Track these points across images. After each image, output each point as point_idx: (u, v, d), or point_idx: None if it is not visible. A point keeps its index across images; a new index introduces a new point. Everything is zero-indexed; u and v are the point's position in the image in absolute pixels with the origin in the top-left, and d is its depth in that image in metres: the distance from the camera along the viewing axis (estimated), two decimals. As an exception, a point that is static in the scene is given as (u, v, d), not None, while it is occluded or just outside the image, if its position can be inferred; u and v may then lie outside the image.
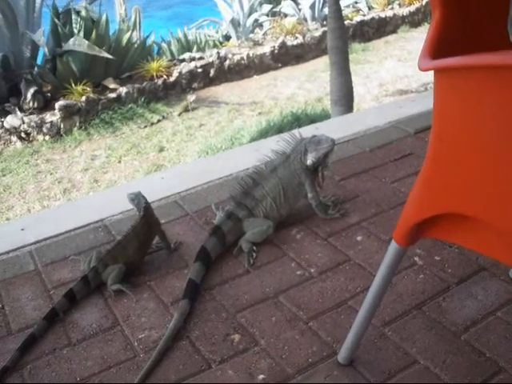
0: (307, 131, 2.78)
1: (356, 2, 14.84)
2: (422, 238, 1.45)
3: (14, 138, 9.38)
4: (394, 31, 14.11)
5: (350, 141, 3.16)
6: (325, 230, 2.36)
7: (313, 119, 7.90)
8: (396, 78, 10.65)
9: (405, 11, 14.42)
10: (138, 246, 2.15)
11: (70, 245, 2.43)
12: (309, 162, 2.34)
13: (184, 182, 2.85)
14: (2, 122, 9.32)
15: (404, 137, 3.17)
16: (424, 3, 14.60)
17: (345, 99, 8.05)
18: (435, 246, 2.21)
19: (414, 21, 14.51)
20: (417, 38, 13.03)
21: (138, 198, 2.22)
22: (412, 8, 14.57)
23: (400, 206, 2.24)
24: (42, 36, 10.01)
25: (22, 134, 9.40)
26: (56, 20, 10.64)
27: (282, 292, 2.03)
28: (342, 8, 8.98)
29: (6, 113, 9.52)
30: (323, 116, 8.25)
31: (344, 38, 8.30)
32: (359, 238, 2.29)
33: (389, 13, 14.25)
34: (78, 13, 10.76)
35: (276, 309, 1.95)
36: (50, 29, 10.93)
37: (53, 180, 8.03)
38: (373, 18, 13.94)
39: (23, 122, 9.37)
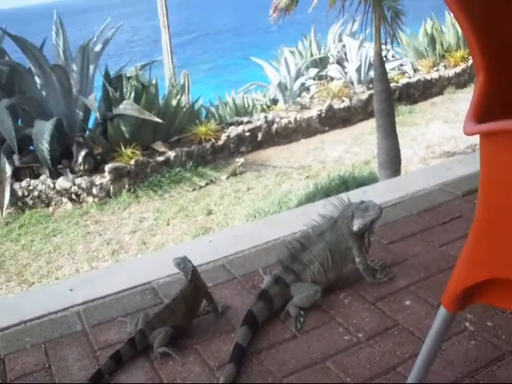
0: (355, 195, 2.80)
1: (401, 65, 14.97)
2: (472, 304, 1.43)
3: (64, 199, 9.61)
4: (440, 93, 14.14)
5: (397, 204, 3.15)
6: (373, 295, 2.34)
7: (360, 182, 7.91)
8: (443, 139, 10.62)
9: (450, 72, 14.46)
10: (185, 310, 2.16)
11: (118, 306, 2.46)
12: (355, 227, 2.34)
13: (232, 245, 2.86)
14: (54, 183, 9.56)
15: (452, 199, 3.15)
16: (470, 64, 14.62)
17: (392, 162, 8.05)
18: (487, 312, 2.16)
19: (460, 82, 14.53)
20: (463, 99, 13.03)
21: (184, 263, 2.24)
22: (458, 69, 14.61)
23: (449, 270, 2.22)
24: (94, 101, 10.34)
25: (73, 196, 9.63)
26: (108, 85, 10.99)
27: (329, 357, 2.00)
28: (388, 71, 9.07)
29: (58, 174, 9.79)
30: (371, 179, 8.24)
31: (390, 100, 8.35)
32: (408, 303, 2.26)
33: (434, 75, 14.31)
34: (128, 78, 11.09)
35: (323, 374, 1.93)
36: (102, 94, 11.31)
37: (102, 241, 8.17)
38: (418, 80, 14.01)
39: (74, 184, 9.60)
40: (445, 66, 14.93)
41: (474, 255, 1.34)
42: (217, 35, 54.54)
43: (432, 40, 15.64)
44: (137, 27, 59.68)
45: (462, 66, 14.81)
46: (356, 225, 2.34)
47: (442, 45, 15.65)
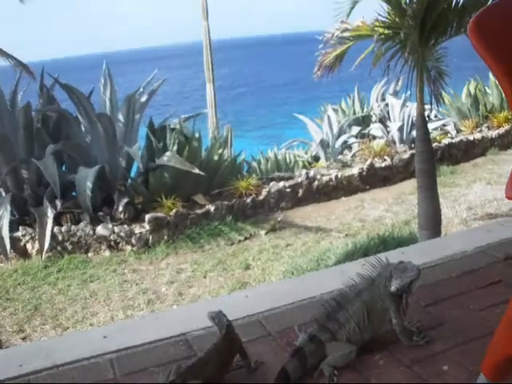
0: (393, 255, 2.77)
1: (444, 125, 14.97)
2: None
3: (103, 247, 9.71)
4: (482, 154, 14.05)
5: (437, 266, 3.11)
6: (409, 357, 2.29)
7: (399, 242, 7.84)
8: (485, 201, 10.51)
9: (494, 134, 14.40)
10: (218, 364, 2.14)
11: (150, 356, 2.45)
12: (393, 288, 2.31)
13: (268, 301, 2.85)
14: (94, 230, 9.68)
15: (493, 263, 3.09)
16: (513, 126, 14.53)
17: (432, 223, 7.97)
18: None
19: (503, 143, 14.46)
20: (507, 161, 12.93)
21: (218, 317, 2.23)
22: (501, 130, 14.54)
23: (488, 336, 2.16)
24: (137, 150, 10.54)
25: (112, 243, 9.74)
26: (151, 136, 11.19)
27: (363, 419, 1.97)
28: (430, 130, 9.08)
29: (99, 221, 9.94)
30: (410, 239, 8.17)
31: (432, 160, 8.32)
32: (445, 368, 2.21)
33: (477, 135, 14.26)
34: (172, 130, 11.28)
35: None
36: (145, 144, 11.53)
37: (138, 290, 8.19)
38: (461, 141, 13.96)
39: (113, 232, 9.71)
40: (488, 127, 14.87)
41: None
42: (265, 90, 55.38)
43: (475, 101, 15.63)
44: (185, 80, 60.94)
45: (506, 127, 14.72)
46: (394, 285, 2.32)
47: (485, 106, 15.62)
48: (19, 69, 9.61)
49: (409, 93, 9.28)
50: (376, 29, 8.02)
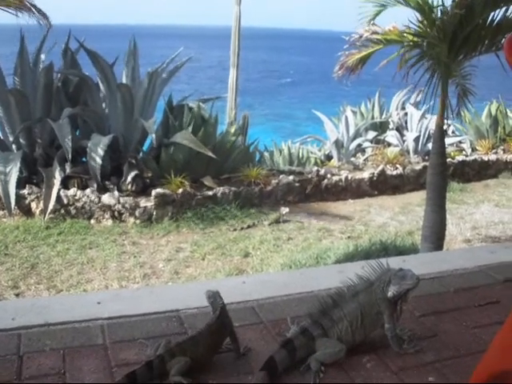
0: (394, 262, 2.76)
1: (460, 142, 14.93)
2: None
3: (107, 215, 9.74)
4: (494, 175, 14.01)
5: (436, 278, 3.11)
6: (397, 364, 2.29)
7: (401, 251, 7.85)
8: (491, 223, 10.49)
9: (509, 157, 14.36)
10: (209, 345, 2.15)
11: (142, 328, 2.46)
12: (390, 293, 2.32)
13: (264, 290, 2.86)
14: (100, 197, 9.70)
15: (492, 283, 3.09)
16: (529, 153, 14.48)
17: (436, 236, 7.96)
18: None
19: (517, 168, 14.38)
20: (518, 186, 12.91)
21: (214, 297, 2.24)
22: (516, 155, 14.46)
23: (479, 354, 2.16)
24: (153, 125, 10.55)
25: (115, 213, 9.76)
26: (169, 112, 11.19)
27: (342, 418, 1.98)
28: (446, 146, 9.03)
29: (105, 190, 9.95)
30: (411, 250, 8.17)
31: (444, 175, 8.30)
32: (431, 379, 2.21)
33: (492, 157, 14.22)
34: (190, 109, 11.26)
35: (334, 434, 1.90)
36: (162, 120, 11.54)
37: (135, 263, 8.23)
38: (475, 160, 13.92)
39: (118, 202, 9.73)
40: (504, 150, 14.81)
41: (509, 343, 1.31)
42: (291, 83, 55.34)
43: (495, 122, 15.57)
44: (212, 61, 60.93)
45: (522, 151, 14.68)
46: (391, 291, 2.32)
47: (504, 128, 15.55)
48: (47, 27, 9.59)
49: (430, 105, 9.21)
50: (405, 35, 7.98)
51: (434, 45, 7.50)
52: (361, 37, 8.36)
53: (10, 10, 8.79)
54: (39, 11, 9.00)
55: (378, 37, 8.32)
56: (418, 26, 7.77)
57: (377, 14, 8.04)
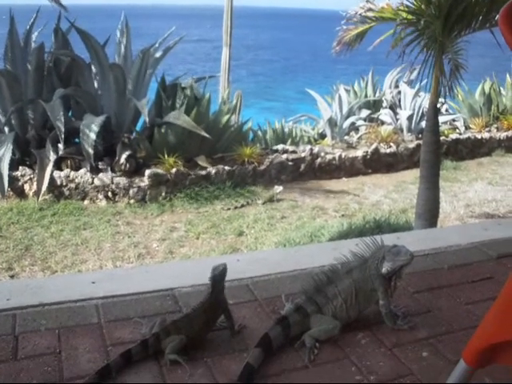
0: (389, 239, 2.77)
1: (454, 120, 14.91)
2: (493, 363, 1.40)
3: (100, 196, 9.73)
4: (488, 153, 14.02)
5: (430, 255, 3.12)
6: (391, 340, 2.31)
7: (394, 229, 7.86)
8: (484, 200, 10.51)
9: (502, 135, 14.35)
10: (203, 322, 2.16)
11: (136, 307, 2.48)
12: (384, 270, 2.32)
13: (259, 268, 2.87)
14: (93, 178, 9.68)
15: (485, 260, 3.10)
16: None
17: (429, 214, 7.97)
18: (507, 374, 2.08)
19: (510, 146, 14.41)
20: (511, 164, 12.91)
21: (213, 273, 2.20)
22: (510, 133, 14.49)
23: (472, 329, 2.17)
24: (145, 105, 10.50)
25: (109, 194, 9.75)
26: (162, 92, 11.15)
27: (337, 394, 1.98)
28: (440, 124, 9.02)
29: (98, 170, 9.93)
30: (405, 228, 8.19)
31: (438, 152, 8.30)
32: (425, 354, 2.23)
33: (485, 135, 14.22)
34: (183, 89, 11.22)
35: (329, 410, 1.91)
36: (155, 99, 11.50)
37: (129, 243, 8.22)
38: (468, 138, 13.92)
39: (112, 182, 9.72)
40: (497, 128, 14.80)
41: (502, 316, 1.32)
42: (281, 62, 55.13)
43: (488, 100, 15.55)
44: (204, 41, 60.61)
45: (515, 129, 14.68)
46: (385, 267, 2.33)
47: (497, 106, 15.54)
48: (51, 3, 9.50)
49: (423, 82, 9.20)
50: (400, 13, 7.95)
51: (429, 23, 7.47)
52: (356, 13, 8.38)
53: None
54: None
55: (373, 14, 8.31)
56: (414, 4, 7.73)
57: None
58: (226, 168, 10.61)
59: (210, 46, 50.44)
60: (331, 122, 13.96)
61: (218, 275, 2.19)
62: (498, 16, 1.45)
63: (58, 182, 9.71)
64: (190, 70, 13.86)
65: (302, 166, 11.59)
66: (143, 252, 7.99)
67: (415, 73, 15.02)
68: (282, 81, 43.75)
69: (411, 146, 12.91)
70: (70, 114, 11.23)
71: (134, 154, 10.33)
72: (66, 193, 9.76)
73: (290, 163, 11.42)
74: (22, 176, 9.80)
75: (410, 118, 13.98)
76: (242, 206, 9.88)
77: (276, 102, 32.85)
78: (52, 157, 9.82)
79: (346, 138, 13.67)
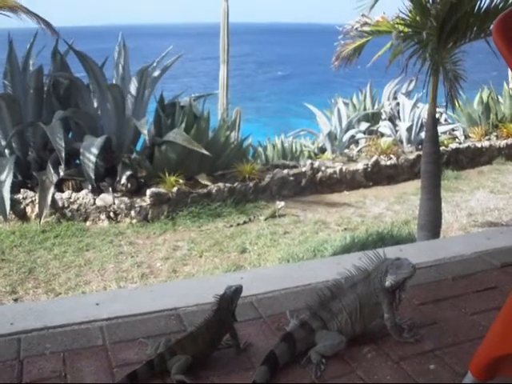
0: (392, 252, 2.77)
1: (453, 130, 14.93)
2: (501, 375, 1.40)
3: (102, 217, 9.73)
4: (488, 162, 14.02)
5: (433, 266, 3.12)
6: (397, 353, 2.30)
7: (397, 241, 7.86)
8: (486, 209, 10.50)
9: (502, 143, 14.37)
10: (208, 341, 2.16)
11: (141, 327, 2.47)
12: (387, 283, 2.32)
13: (262, 284, 2.86)
14: (95, 199, 9.69)
15: (489, 269, 3.10)
16: (523, 137, 14.50)
17: (432, 225, 7.97)
18: None
19: (510, 154, 14.42)
20: (512, 172, 12.93)
21: (226, 291, 2.23)
22: (509, 141, 14.50)
23: (478, 340, 2.17)
24: (145, 124, 10.54)
25: (111, 214, 9.75)
26: (161, 111, 11.20)
27: (345, 409, 1.97)
28: (439, 134, 9.03)
29: (100, 191, 9.94)
30: (408, 240, 8.18)
31: (438, 163, 8.32)
32: (432, 367, 2.21)
33: (485, 143, 14.23)
34: (182, 107, 11.25)
35: (338, 426, 1.90)
36: (154, 119, 11.53)
37: (133, 263, 8.21)
38: (468, 147, 13.93)
39: (114, 203, 9.73)
40: (497, 136, 14.81)
41: (508, 327, 1.31)
42: (278, 77, 55.27)
43: (487, 108, 15.57)
44: (201, 59, 60.84)
45: (514, 137, 14.69)
46: (388, 280, 2.32)
47: (496, 114, 15.55)
48: (41, 27, 9.57)
49: (421, 93, 9.24)
50: (396, 26, 7.99)
51: (427, 34, 7.50)
52: (353, 27, 8.43)
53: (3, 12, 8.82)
54: (29, 12, 9.02)
55: (369, 28, 8.36)
56: (410, 16, 7.78)
57: (375, 2, 8.08)
58: (227, 185, 10.61)
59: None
60: (331, 136, 13.99)
61: (228, 295, 2.20)
62: (492, 27, 1.46)
63: (60, 204, 9.71)
64: (190, 89, 13.86)
65: (303, 181, 11.59)
66: (147, 272, 7.98)
67: (413, 84, 15.14)
68: (282, 96, 43.87)
69: (411, 157, 12.91)
70: (70, 135, 11.25)
71: (134, 173, 10.34)
72: (68, 214, 9.76)
73: (291, 178, 11.42)
74: (24, 199, 9.79)
75: (409, 130, 14.00)
76: (245, 222, 9.87)
77: (277, 117, 32.98)
78: (53, 179, 9.82)
79: (346, 151, 13.68)
